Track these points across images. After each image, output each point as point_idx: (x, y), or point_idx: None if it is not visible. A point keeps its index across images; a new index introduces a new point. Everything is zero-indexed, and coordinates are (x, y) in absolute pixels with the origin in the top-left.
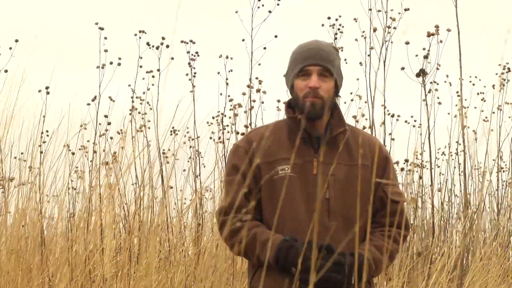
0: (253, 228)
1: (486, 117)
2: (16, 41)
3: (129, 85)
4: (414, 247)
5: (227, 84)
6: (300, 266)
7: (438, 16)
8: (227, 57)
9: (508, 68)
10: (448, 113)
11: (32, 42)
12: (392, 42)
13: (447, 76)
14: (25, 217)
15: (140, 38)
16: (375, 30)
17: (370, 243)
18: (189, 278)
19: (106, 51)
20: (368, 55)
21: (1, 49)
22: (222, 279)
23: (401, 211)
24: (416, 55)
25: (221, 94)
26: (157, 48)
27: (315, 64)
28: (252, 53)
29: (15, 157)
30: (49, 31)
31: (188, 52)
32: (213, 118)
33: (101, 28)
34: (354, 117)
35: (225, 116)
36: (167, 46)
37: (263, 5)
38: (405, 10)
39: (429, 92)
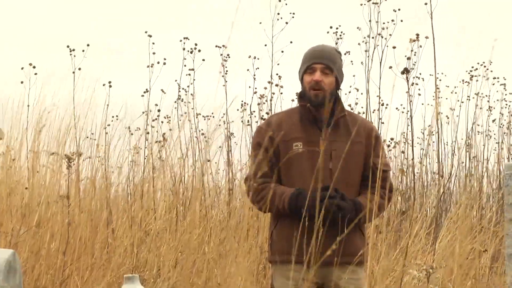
0: (273, 187)
1: (452, 108)
2: (88, 45)
3: (176, 80)
4: (399, 207)
5: (254, 79)
6: (308, 208)
7: (418, 25)
8: (254, 58)
9: (476, 68)
10: (428, 104)
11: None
12: (387, 46)
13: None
14: (94, 183)
15: (184, 43)
16: (369, 36)
17: (364, 196)
18: (223, 232)
19: (154, 53)
20: (368, 57)
21: (75, 51)
22: (249, 232)
23: (388, 178)
24: (405, 56)
25: (249, 87)
26: (191, 52)
27: (319, 62)
28: (272, 55)
29: (86, 137)
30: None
31: (221, 54)
32: (258, 105)
33: (150, 36)
34: (363, 112)
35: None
36: (199, 51)
37: (281, 18)
38: (392, 20)
39: (412, 85)
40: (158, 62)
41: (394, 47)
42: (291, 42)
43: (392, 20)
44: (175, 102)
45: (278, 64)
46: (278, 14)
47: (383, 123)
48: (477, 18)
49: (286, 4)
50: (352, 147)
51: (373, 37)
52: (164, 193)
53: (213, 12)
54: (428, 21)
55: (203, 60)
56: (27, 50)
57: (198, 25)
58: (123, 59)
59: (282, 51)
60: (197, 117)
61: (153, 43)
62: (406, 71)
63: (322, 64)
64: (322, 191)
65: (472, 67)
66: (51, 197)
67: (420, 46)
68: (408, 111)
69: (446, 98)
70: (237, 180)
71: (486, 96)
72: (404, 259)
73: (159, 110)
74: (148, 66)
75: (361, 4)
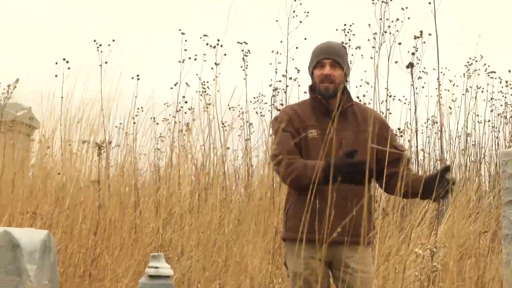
0: (303, 160)
1: (454, 99)
2: (113, 40)
3: (197, 74)
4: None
5: (276, 72)
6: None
7: (422, 23)
8: (276, 52)
9: (472, 63)
10: (431, 96)
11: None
12: (395, 41)
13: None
14: (123, 169)
15: (204, 40)
16: (378, 33)
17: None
18: (241, 214)
19: (185, 50)
20: (377, 52)
21: (102, 46)
22: (265, 214)
23: (406, 158)
24: (409, 52)
25: (271, 80)
26: (214, 47)
27: (328, 57)
28: (287, 51)
29: (116, 126)
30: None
31: (242, 50)
32: (273, 96)
33: (183, 33)
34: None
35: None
36: (221, 46)
37: (296, 15)
38: (397, 19)
39: (419, 79)
40: (190, 58)
41: (399, 43)
42: (305, 39)
43: (398, 19)
44: (200, 95)
45: (293, 59)
46: (294, 12)
47: (390, 113)
48: (476, 18)
49: (300, 4)
50: (360, 136)
51: (381, 34)
52: (187, 178)
53: (213, 12)
54: (430, 19)
55: (225, 54)
56: (58, 47)
57: (198, 25)
58: (145, 55)
59: (297, 47)
60: (212, 106)
61: (186, 40)
62: (410, 65)
63: (331, 59)
64: (347, 157)
65: (469, 61)
66: (83, 182)
67: (424, 43)
68: (409, 102)
69: (448, 90)
70: (254, 166)
71: (481, 88)
72: (409, 239)
73: (186, 102)
74: (179, 62)
75: (373, 3)
